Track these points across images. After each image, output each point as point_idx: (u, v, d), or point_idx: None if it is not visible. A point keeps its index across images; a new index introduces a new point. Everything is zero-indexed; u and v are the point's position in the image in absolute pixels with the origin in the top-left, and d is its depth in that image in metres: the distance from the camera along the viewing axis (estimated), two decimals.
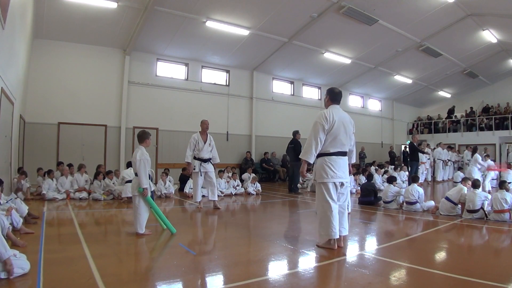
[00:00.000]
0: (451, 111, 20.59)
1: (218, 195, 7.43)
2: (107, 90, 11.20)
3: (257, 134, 14.48)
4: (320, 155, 3.84)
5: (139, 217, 4.40)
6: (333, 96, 4.00)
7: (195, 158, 6.82)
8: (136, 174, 4.42)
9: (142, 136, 4.60)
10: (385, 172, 11.78)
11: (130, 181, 6.92)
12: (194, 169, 6.78)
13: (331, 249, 3.73)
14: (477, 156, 9.85)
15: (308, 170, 4.66)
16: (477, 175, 9.33)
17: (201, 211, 6.62)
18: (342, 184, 3.87)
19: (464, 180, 6.39)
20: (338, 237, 3.76)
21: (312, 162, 3.84)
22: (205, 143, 6.81)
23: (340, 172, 3.80)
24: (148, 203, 4.46)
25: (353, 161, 4.20)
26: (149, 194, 4.41)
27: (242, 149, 13.98)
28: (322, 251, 3.75)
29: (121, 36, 10.65)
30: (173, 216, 6.50)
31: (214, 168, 7.07)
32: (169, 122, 12.25)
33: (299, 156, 3.97)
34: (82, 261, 3.24)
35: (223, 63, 13.52)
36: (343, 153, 3.89)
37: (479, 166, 9.70)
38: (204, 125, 6.91)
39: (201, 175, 6.76)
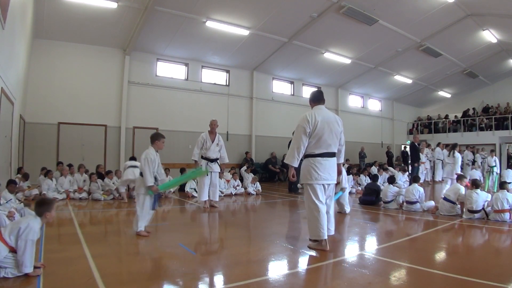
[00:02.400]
0: (465, 112, 19.76)
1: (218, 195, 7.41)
2: (107, 90, 11.20)
3: (257, 134, 14.48)
4: (306, 156, 3.79)
5: (139, 217, 4.35)
6: (315, 97, 3.96)
7: (202, 157, 6.83)
8: (141, 175, 4.37)
9: (153, 137, 4.62)
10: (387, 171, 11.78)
11: (132, 167, 7.01)
12: (201, 168, 6.80)
13: (323, 250, 3.67)
14: (457, 155, 9.63)
15: None
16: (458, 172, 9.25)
17: (206, 211, 6.59)
18: (327, 185, 3.82)
19: (459, 178, 6.37)
20: (326, 237, 3.70)
21: (296, 166, 3.77)
22: (212, 142, 6.84)
23: (325, 174, 3.72)
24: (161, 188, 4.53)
25: (341, 161, 4.04)
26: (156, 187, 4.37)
27: (242, 149, 13.97)
28: (322, 251, 3.74)
29: (121, 36, 10.65)
30: (173, 216, 6.52)
31: (220, 169, 7.07)
32: (169, 122, 12.23)
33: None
34: (82, 261, 3.23)
35: (223, 63, 13.52)
36: (330, 154, 3.78)
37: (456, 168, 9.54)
38: (212, 125, 6.95)
39: (207, 174, 6.76)
